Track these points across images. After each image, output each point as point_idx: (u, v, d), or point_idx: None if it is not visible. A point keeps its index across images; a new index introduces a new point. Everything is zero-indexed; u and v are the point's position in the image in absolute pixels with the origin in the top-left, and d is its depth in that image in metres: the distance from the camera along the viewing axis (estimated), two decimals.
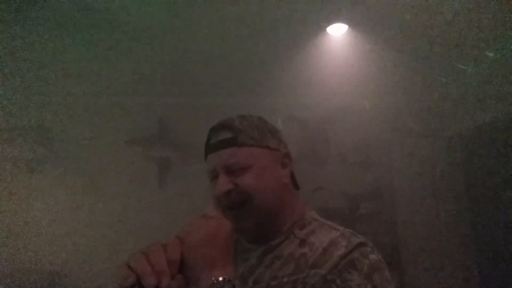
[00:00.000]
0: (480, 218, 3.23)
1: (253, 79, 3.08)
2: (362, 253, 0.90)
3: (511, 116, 3.09)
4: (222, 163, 0.97)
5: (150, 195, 3.13)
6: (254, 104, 2.92)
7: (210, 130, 1.02)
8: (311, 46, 2.90)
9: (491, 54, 2.82)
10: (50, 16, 2.37)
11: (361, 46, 2.87)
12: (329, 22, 2.76)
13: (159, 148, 3.29)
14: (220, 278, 0.73)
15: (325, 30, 2.84)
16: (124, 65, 2.83)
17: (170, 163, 3.28)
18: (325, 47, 2.92)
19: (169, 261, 0.71)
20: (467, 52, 2.95)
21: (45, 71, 2.80)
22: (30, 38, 2.51)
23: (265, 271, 0.95)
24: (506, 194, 3.00)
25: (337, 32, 2.85)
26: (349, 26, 2.80)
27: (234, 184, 0.96)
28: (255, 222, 0.97)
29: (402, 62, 2.97)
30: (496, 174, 3.09)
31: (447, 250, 3.30)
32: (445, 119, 3.48)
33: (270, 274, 0.94)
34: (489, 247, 3.14)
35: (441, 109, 3.48)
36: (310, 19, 2.65)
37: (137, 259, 0.70)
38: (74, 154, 3.08)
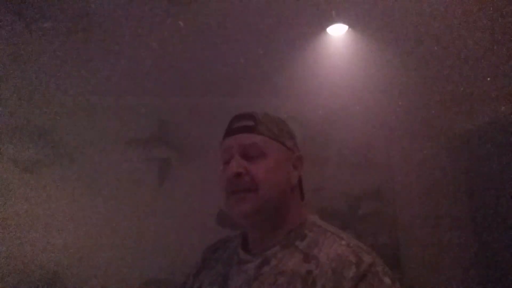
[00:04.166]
0: (480, 218, 3.23)
1: (253, 79, 3.07)
2: (375, 277, 0.90)
3: (511, 116, 3.09)
4: (238, 143, 0.99)
5: (150, 195, 3.12)
6: (254, 104, 2.90)
7: (232, 118, 1.05)
8: (311, 46, 2.89)
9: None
10: (49, 16, 2.37)
11: (361, 46, 2.86)
12: (329, 22, 2.76)
13: (159, 148, 3.29)
14: None
15: (325, 30, 2.83)
16: (124, 65, 2.83)
17: (170, 163, 3.28)
18: (325, 47, 2.92)
19: None
20: (468, 52, 2.95)
21: (45, 70, 2.80)
22: (30, 37, 2.51)
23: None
24: (507, 194, 2.99)
25: (337, 32, 2.85)
26: (349, 26, 2.80)
27: (246, 170, 0.96)
28: (255, 209, 0.96)
29: (403, 62, 2.97)
30: (496, 174, 3.09)
31: (447, 250, 3.29)
32: (445, 119, 3.47)
33: None
34: (489, 247, 3.14)
35: (441, 109, 3.48)
36: (310, 19, 2.65)
37: None
38: (74, 154, 3.08)
